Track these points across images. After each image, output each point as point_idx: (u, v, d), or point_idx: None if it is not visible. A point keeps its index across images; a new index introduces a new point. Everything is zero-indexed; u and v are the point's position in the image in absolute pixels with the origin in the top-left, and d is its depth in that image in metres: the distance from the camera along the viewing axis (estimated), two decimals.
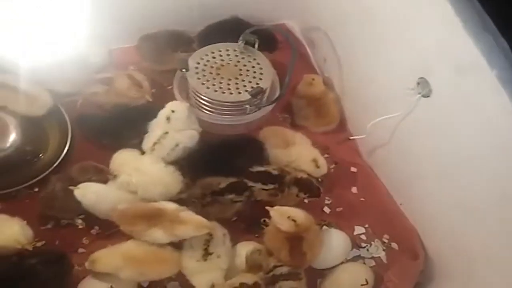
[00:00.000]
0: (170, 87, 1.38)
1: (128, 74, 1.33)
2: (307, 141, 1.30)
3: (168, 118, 1.20)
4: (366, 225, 1.27)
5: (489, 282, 1.02)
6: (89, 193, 1.11)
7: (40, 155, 1.28)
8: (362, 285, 1.13)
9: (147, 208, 1.09)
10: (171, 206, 1.09)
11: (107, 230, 1.17)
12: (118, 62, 1.44)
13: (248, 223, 1.21)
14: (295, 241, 1.08)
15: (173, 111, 1.20)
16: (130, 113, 1.29)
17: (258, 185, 1.18)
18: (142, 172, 1.16)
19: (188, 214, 1.07)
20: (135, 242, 1.08)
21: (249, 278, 1.04)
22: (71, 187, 1.10)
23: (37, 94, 1.25)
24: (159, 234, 1.06)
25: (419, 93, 1.06)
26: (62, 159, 1.24)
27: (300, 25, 1.61)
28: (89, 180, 1.14)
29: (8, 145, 1.21)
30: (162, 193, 1.16)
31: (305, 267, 1.11)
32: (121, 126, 1.27)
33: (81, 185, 1.11)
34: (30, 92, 1.24)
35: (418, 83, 1.06)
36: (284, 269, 1.08)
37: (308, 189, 1.20)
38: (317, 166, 1.26)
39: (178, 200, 1.15)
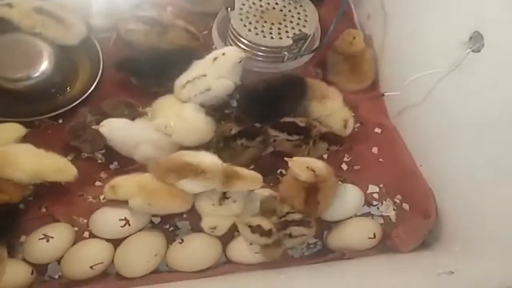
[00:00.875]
0: (205, 32, 1.34)
1: (185, 27, 1.28)
2: (340, 96, 1.25)
3: (215, 59, 1.16)
4: (381, 185, 1.25)
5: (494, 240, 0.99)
6: (114, 128, 1.09)
7: (68, 87, 1.26)
8: (369, 238, 1.14)
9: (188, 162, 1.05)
10: (212, 158, 1.06)
11: (126, 166, 1.16)
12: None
13: (265, 172, 1.18)
14: (311, 190, 1.07)
15: (223, 54, 1.16)
16: (165, 55, 1.24)
17: (284, 135, 1.16)
18: (182, 118, 1.14)
19: (243, 170, 1.05)
20: None
21: (265, 224, 1.05)
22: (94, 127, 1.08)
23: (72, 22, 1.22)
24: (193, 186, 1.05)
25: (470, 48, 0.99)
26: (90, 94, 1.22)
27: None
28: (121, 115, 1.13)
29: (38, 73, 1.17)
30: (195, 140, 1.14)
31: (316, 216, 1.11)
32: (155, 68, 1.22)
33: (106, 121, 1.09)
34: (65, 19, 1.21)
35: (471, 38, 0.99)
36: (296, 216, 1.08)
37: (334, 142, 1.20)
38: (345, 127, 1.23)
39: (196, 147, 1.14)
